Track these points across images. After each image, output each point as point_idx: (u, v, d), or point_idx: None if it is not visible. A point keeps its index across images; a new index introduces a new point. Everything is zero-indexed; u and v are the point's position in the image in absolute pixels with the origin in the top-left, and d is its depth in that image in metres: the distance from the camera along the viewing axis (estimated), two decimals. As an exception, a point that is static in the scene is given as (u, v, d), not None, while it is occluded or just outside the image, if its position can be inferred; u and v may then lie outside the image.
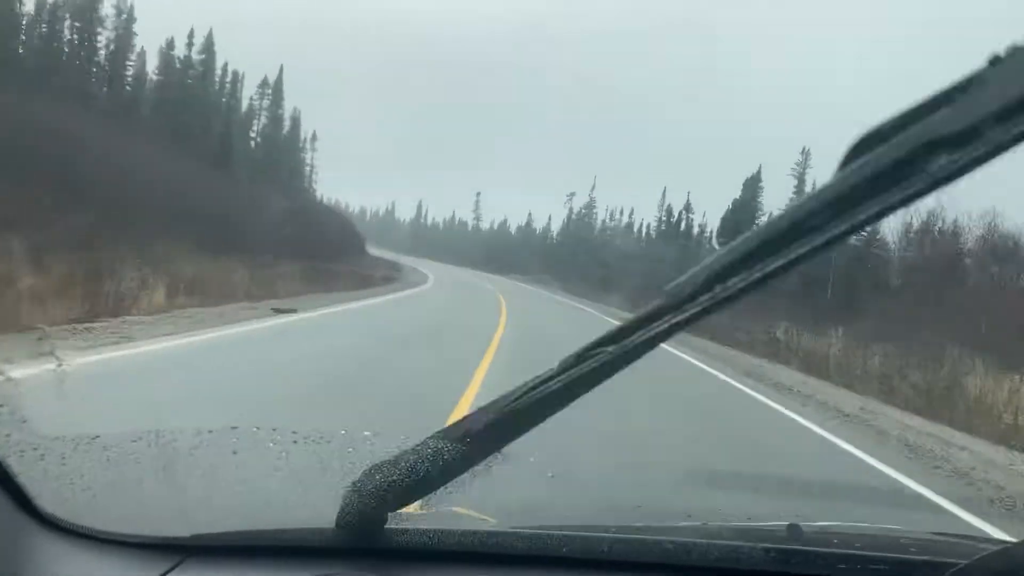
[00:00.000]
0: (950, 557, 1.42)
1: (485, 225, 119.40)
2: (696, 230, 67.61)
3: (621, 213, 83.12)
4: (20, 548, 1.28)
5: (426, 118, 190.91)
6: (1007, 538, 1.63)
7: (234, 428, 2.25)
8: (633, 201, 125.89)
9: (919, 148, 0.83)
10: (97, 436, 1.89)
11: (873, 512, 4.91)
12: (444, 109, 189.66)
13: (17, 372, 4.95)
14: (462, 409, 6.19)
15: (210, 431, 2.12)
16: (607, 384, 1.03)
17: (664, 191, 71.26)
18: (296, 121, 62.43)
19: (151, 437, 1.93)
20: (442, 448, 1.11)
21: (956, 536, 1.84)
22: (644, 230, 74.37)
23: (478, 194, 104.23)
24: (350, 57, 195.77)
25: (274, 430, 2.21)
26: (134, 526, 1.38)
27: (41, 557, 1.29)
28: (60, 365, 5.53)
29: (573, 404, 1.04)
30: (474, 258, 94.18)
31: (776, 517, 1.55)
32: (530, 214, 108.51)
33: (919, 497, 6.13)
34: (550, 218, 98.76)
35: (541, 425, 1.07)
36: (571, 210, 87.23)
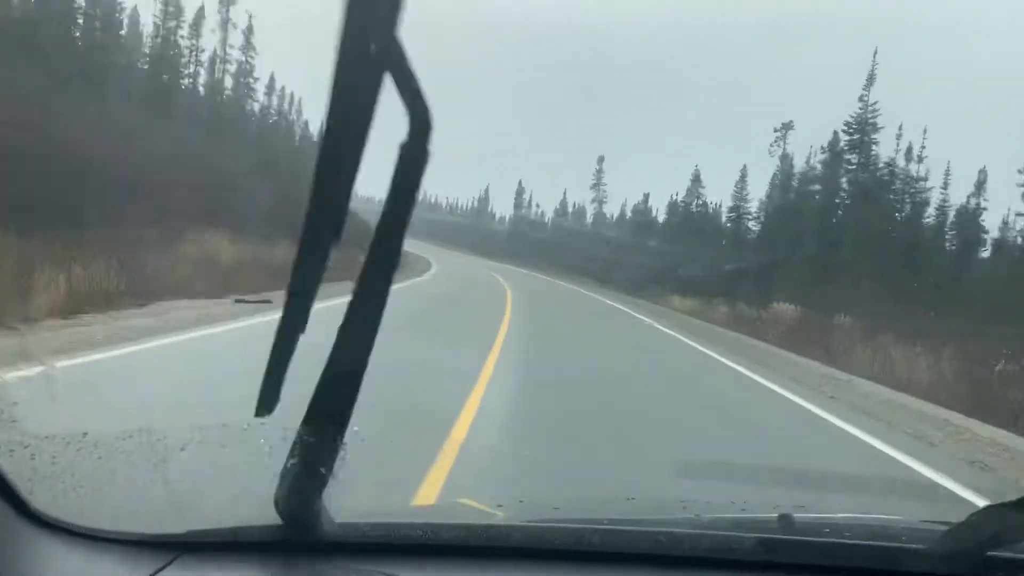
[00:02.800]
0: (938, 546, 1.43)
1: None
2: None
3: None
4: (12, 547, 1.27)
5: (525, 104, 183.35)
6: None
7: (224, 425, 2.25)
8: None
9: None
10: (86, 434, 1.88)
11: (867, 500, 4.94)
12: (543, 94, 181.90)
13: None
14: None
15: (200, 428, 2.12)
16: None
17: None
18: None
19: (141, 435, 1.92)
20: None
21: (947, 524, 1.85)
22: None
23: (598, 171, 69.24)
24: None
25: (263, 424, 2.22)
26: (127, 523, 1.37)
27: (34, 556, 1.29)
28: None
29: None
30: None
31: (771, 507, 1.56)
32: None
33: (912, 483, 6.16)
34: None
35: (545, 424, 1.08)
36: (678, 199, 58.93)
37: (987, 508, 1.36)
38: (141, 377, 6.37)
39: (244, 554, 1.34)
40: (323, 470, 1.17)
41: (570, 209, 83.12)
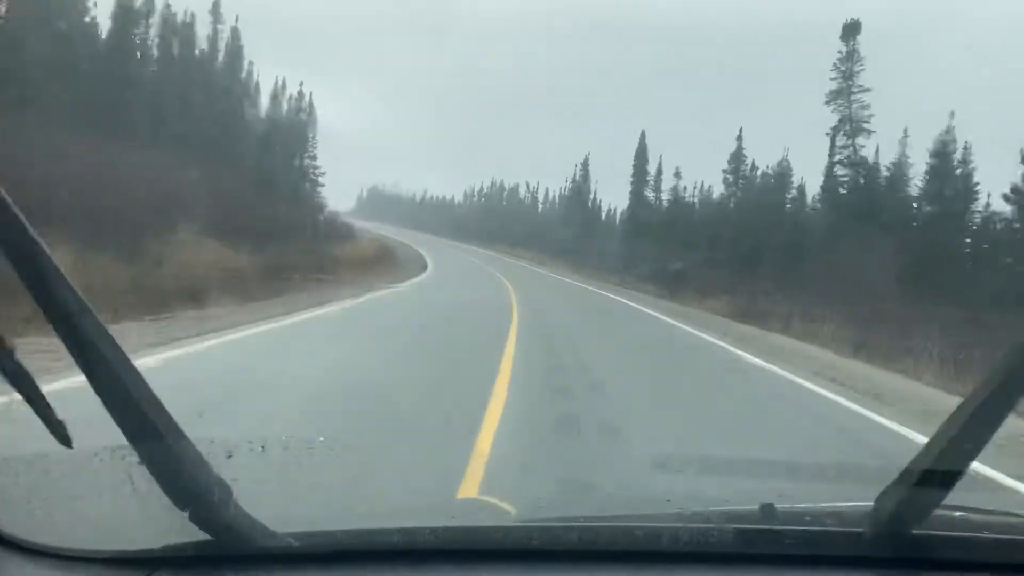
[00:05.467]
0: (922, 529, 1.43)
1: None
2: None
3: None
4: None
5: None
6: (978, 507, 1.66)
7: (196, 440, 2.23)
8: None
9: None
10: (44, 453, 1.84)
11: (853, 489, 4.98)
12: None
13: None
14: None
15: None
16: None
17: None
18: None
19: (106, 453, 1.89)
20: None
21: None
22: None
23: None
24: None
25: (212, 441, 2.22)
26: (100, 541, 1.35)
27: None
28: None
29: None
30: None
31: (755, 499, 1.56)
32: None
33: (885, 469, 6.23)
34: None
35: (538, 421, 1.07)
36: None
37: (894, 485, 1.36)
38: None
39: (222, 567, 1.31)
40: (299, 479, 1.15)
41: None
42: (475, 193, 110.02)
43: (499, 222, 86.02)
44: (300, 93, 51.29)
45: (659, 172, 57.58)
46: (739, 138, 48.84)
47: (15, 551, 1.30)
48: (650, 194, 57.64)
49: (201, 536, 1.25)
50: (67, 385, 6.43)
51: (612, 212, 72.21)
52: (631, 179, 58.05)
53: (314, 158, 50.89)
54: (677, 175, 56.33)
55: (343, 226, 50.92)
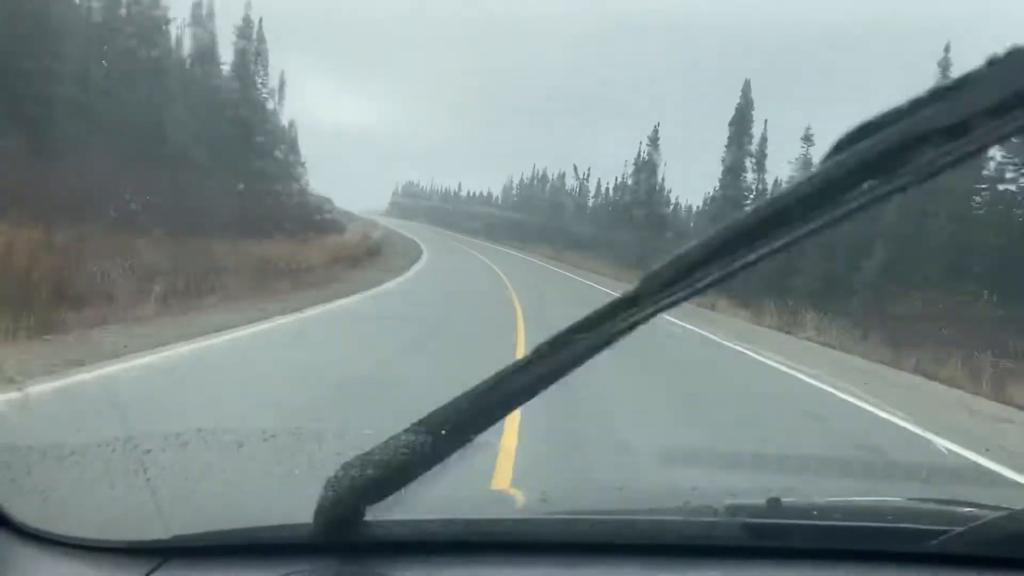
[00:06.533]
0: (927, 524, 1.44)
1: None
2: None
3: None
4: None
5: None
6: (984, 503, 1.66)
7: (199, 430, 2.24)
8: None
9: (909, 140, 0.85)
10: (62, 444, 1.86)
11: (850, 483, 4.99)
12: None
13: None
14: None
15: (177, 434, 2.11)
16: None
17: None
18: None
19: (118, 443, 1.91)
20: (413, 441, 1.10)
21: (933, 502, 1.87)
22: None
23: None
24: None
25: (225, 433, 2.21)
26: (111, 531, 1.36)
27: (15, 566, 1.28)
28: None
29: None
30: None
31: (756, 492, 1.56)
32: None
33: (894, 464, 6.24)
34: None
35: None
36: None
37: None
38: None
39: (231, 557, 1.33)
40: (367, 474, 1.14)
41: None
42: (513, 186, 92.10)
43: (543, 218, 68.53)
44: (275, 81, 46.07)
45: (763, 141, 41.20)
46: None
47: (28, 540, 1.31)
48: (748, 174, 41.78)
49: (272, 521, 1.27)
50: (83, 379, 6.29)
51: (688, 207, 57.07)
52: (724, 151, 41.55)
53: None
54: (807, 139, 38.02)
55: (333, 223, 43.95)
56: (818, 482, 4.84)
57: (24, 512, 1.34)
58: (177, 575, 1.28)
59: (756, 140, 41.63)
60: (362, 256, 29.92)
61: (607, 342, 0.99)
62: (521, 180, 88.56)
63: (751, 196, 40.33)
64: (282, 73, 46.01)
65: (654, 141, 52.04)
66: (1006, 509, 1.48)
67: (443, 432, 1.10)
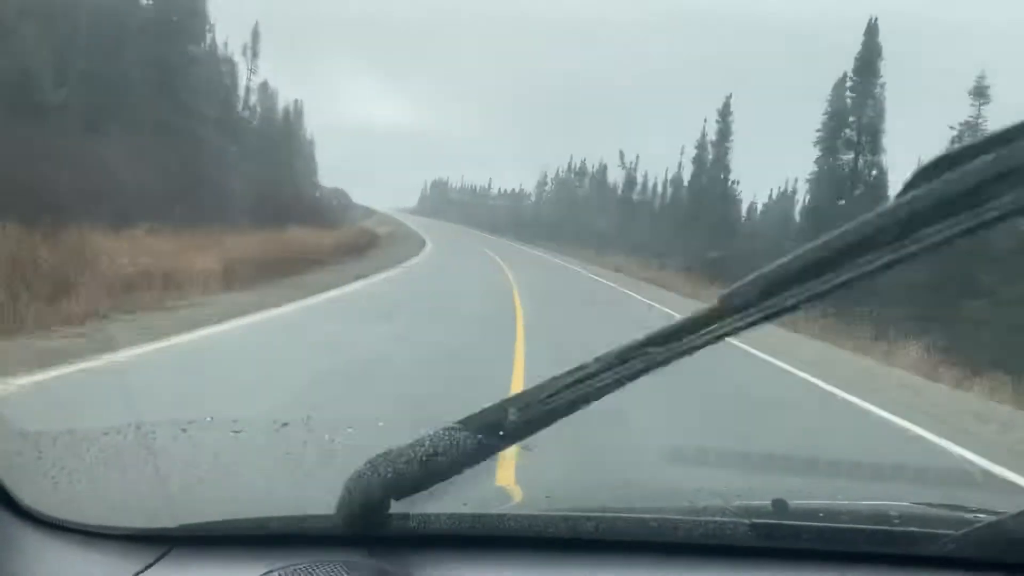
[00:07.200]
0: (934, 528, 1.44)
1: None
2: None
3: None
4: (2, 542, 1.27)
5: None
6: (993, 509, 1.65)
7: (210, 420, 2.25)
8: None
9: (990, 177, 0.83)
10: (72, 430, 1.87)
11: (859, 485, 4.97)
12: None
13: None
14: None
15: (189, 422, 2.11)
16: None
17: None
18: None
19: (129, 430, 1.92)
20: (460, 438, 1.10)
21: (940, 506, 1.87)
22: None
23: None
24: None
25: (234, 423, 2.22)
26: (118, 518, 1.37)
27: (24, 551, 1.29)
28: None
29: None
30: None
31: (764, 494, 1.57)
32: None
33: (900, 467, 6.21)
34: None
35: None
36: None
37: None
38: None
39: (237, 547, 1.34)
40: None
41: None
42: (548, 180, 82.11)
43: (581, 214, 59.19)
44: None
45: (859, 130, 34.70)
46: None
47: (37, 525, 1.32)
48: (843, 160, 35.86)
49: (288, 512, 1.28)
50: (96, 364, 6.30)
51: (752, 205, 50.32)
52: (817, 135, 35.92)
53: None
54: (979, 94, 30.65)
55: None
56: (826, 483, 4.82)
57: (33, 497, 1.35)
58: (183, 563, 1.29)
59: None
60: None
61: (677, 356, 0.98)
62: (557, 174, 79.59)
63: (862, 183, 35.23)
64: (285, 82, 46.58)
65: (724, 116, 44.21)
66: (1015, 513, 1.47)
67: (499, 434, 1.10)
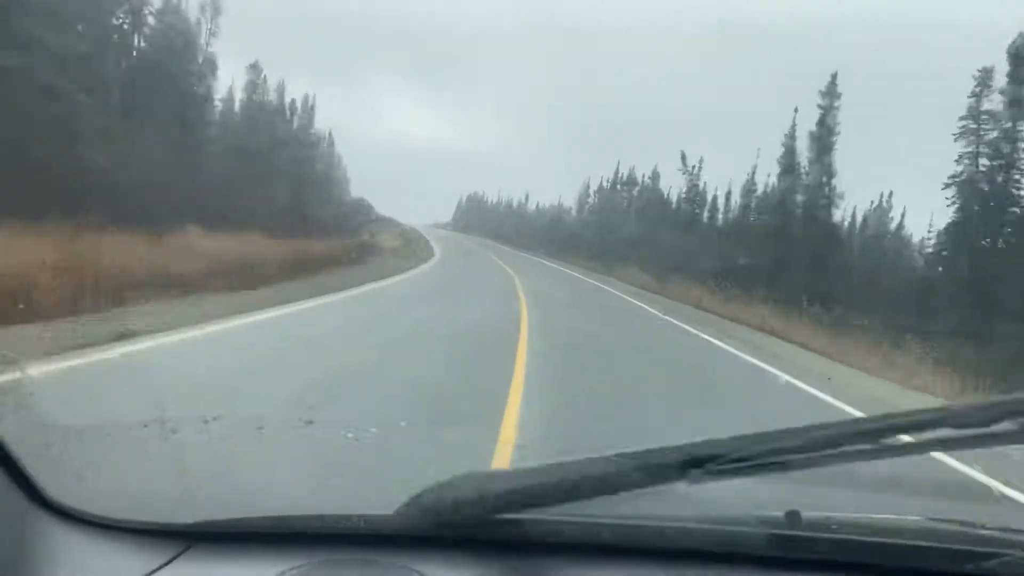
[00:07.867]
0: (949, 544, 1.43)
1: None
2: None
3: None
4: (27, 533, 1.29)
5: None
6: (1009, 526, 1.63)
7: (233, 416, 2.27)
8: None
9: None
10: (100, 426, 1.89)
11: (874, 498, 4.91)
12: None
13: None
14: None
15: (214, 418, 2.13)
16: None
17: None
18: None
19: (154, 425, 1.94)
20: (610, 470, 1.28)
21: (956, 522, 1.85)
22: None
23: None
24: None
25: (258, 424, 2.23)
26: (141, 512, 1.39)
27: (48, 542, 1.30)
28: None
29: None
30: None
31: (784, 504, 1.56)
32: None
33: (918, 481, 6.12)
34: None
35: (532, 407, 1.05)
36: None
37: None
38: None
39: (257, 544, 1.35)
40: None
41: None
42: (590, 193, 68.42)
43: (631, 230, 47.19)
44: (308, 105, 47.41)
45: (1014, 126, 26.60)
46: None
47: (61, 517, 1.34)
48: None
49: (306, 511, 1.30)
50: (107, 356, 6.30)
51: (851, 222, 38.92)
52: (961, 124, 27.83)
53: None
54: None
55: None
56: (842, 495, 4.77)
57: (57, 490, 1.37)
58: (202, 559, 1.30)
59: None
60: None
61: (882, 455, 1.17)
62: (600, 185, 65.26)
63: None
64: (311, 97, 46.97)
65: (830, 95, 31.19)
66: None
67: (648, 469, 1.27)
